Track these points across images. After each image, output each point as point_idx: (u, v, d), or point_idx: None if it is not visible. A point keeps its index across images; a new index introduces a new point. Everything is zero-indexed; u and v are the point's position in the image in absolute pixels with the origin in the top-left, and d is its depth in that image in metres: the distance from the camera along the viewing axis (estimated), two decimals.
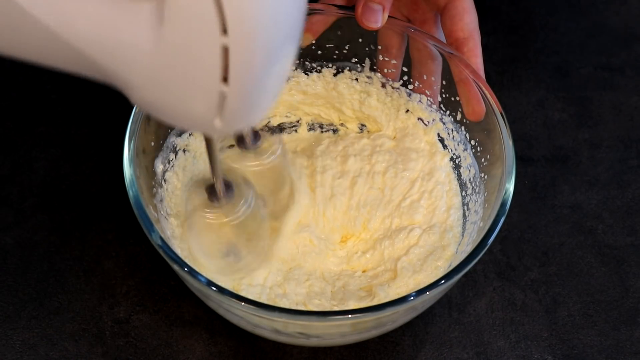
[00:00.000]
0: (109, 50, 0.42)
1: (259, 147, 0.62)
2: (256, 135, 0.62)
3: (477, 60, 0.64)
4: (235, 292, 0.54)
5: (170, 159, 0.65)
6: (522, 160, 0.75)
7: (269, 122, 0.73)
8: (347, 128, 0.73)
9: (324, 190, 0.67)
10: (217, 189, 0.57)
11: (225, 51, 0.40)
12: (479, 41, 0.64)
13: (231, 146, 0.63)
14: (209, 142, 0.53)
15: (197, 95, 0.44)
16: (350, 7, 0.65)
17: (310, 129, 0.74)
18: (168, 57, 0.42)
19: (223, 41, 0.40)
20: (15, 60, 0.46)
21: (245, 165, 0.62)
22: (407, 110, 0.70)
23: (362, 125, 0.73)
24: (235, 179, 0.60)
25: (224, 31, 0.39)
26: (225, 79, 0.42)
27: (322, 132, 0.74)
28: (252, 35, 0.40)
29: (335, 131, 0.73)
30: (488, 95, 0.62)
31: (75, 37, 0.42)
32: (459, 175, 0.67)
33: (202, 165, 0.68)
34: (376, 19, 0.63)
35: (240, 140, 0.62)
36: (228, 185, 0.58)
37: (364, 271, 0.64)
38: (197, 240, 0.60)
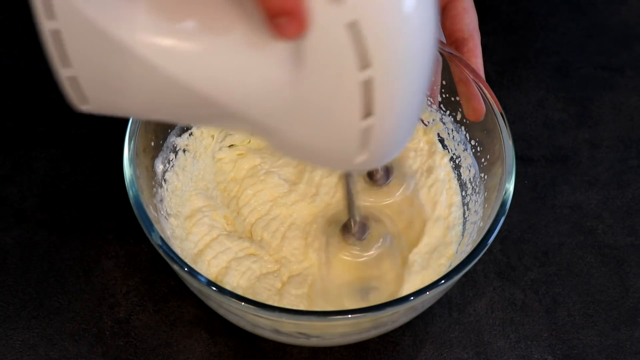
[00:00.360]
0: (245, 95, 0.42)
1: (390, 183, 0.65)
2: (388, 171, 0.64)
3: (477, 60, 0.64)
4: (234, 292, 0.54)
5: (170, 159, 0.65)
6: (522, 160, 0.75)
7: None
8: None
9: (309, 189, 0.67)
10: (353, 227, 0.59)
11: (369, 85, 0.40)
12: (479, 41, 0.64)
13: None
14: (348, 181, 0.54)
15: (339, 133, 0.43)
16: None
17: None
18: (306, 98, 0.42)
19: (364, 76, 0.40)
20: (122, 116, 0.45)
21: (378, 202, 0.64)
22: None
23: None
24: (370, 216, 0.62)
25: (366, 66, 0.39)
26: (368, 114, 0.41)
27: None
28: (397, 65, 0.40)
29: None
30: (488, 95, 0.62)
31: (213, 86, 0.41)
32: (459, 175, 0.67)
33: (202, 164, 0.68)
34: None
35: (371, 177, 0.64)
36: (364, 223, 0.60)
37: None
38: (333, 278, 0.61)
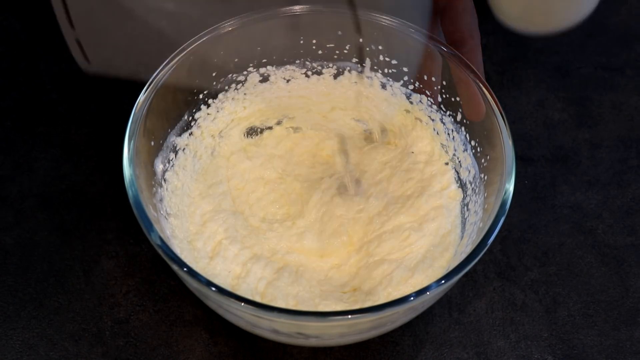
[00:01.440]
0: None
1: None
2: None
3: (477, 60, 0.64)
4: (234, 292, 0.54)
5: (170, 159, 0.65)
6: (522, 160, 0.75)
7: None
8: (348, 129, 0.73)
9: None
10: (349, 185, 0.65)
11: None
12: (478, 41, 0.64)
13: None
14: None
15: None
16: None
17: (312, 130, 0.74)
18: None
19: None
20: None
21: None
22: (407, 111, 0.70)
23: (363, 124, 0.73)
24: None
25: None
26: None
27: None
28: None
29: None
30: (488, 96, 0.62)
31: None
32: (459, 176, 0.67)
33: (216, 178, 0.68)
34: None
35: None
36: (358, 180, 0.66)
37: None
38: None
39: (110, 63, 0.50)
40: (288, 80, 0.71)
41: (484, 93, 0.62)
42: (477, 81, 0.62)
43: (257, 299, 0.61)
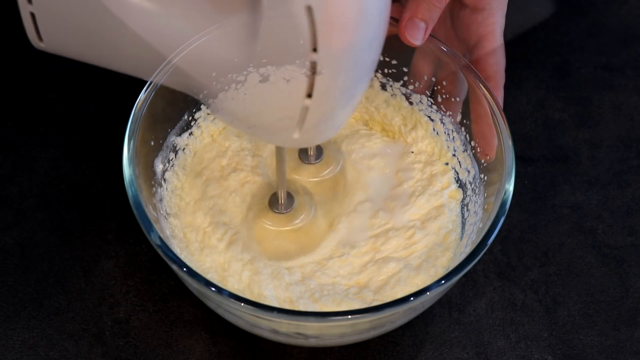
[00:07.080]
0: (199, 62, 0.44)
1: (321, 161, 0.67)
2: (319, 150, 0.67)
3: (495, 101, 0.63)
4: (234, 292, 0.54)
5: (170, 159, 0.65)
6: (522, 160, 0.75)
7: None
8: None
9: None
10: (279, 198, 0.62)
11: (314, 67, 0.43)
12: (501, 84, 0.64)
13: None
14: (279, 154, 0.57)
15: (282, 108, 0.47)
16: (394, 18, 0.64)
17: None
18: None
19: (313, 58, 0.43)
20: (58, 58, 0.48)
21: (306, 178, 0.67)
22: (407, 111, 0.70)
23: (364, 125, 0.73)
24: (296, 189, 0.65)
25: (314, 49, 0.42)
26: (309, 95, 0.43)
27: None
28: (341, 57, 0.43)
29: None
30: (488, 95, 0.62)
31: (170, 50, 0.44)
32: (458, 177, 0.67)
33: (202, 165, 0.68)
34: (418, 35, 0.63)
35: (302, 154, 0.67)
36: (290, 195, 0.63)
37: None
38: (255, 245, 0.63)
39: (64, 45, 0.48)
40: (288, 80, 0.71)
41: (486, 97, 0.62)
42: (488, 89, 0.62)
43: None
